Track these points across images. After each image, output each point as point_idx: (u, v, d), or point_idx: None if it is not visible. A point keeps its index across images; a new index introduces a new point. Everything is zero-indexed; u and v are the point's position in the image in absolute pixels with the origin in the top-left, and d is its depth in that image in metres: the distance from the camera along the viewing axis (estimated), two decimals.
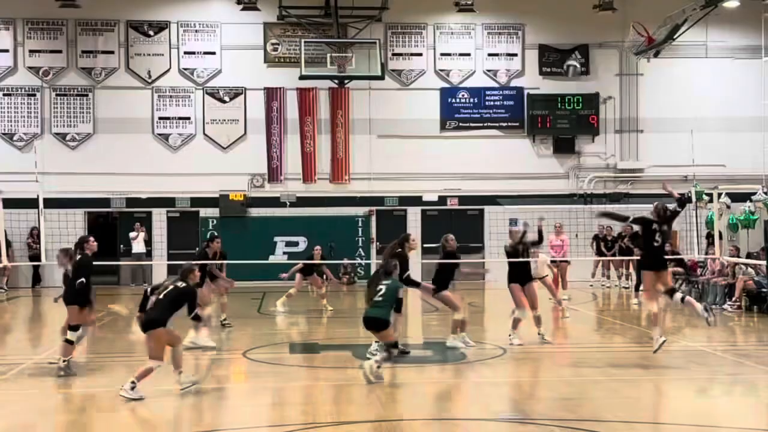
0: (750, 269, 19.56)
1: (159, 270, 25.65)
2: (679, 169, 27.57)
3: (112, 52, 27.85)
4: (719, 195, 20.47)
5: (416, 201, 27.61)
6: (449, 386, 11.43)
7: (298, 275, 19.92)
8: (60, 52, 27.70)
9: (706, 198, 23.44)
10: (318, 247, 21.13)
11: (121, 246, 27.71)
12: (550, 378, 11.95)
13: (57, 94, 27.66)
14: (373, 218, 28.28)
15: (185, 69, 28.05)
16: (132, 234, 27.02)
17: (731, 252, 20.35)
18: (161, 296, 10.81)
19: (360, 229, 28.19)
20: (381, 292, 11.27)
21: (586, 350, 14.40)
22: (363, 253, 28.15)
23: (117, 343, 15.27)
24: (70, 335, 11.94)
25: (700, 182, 24.57)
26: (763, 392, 11.32)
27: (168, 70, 27.98)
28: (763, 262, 19.20)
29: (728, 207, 24.60)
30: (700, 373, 12.39)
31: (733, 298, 19.41)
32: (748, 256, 22.74)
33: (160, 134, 27.88)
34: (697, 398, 10.99)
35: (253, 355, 13.48)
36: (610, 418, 9.45)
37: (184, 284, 11.01)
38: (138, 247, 26.98)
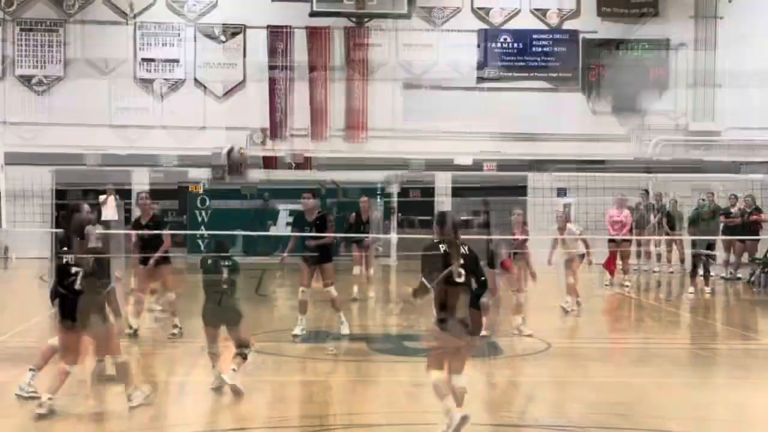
0: None
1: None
2: (764, 132, 27.40)
3: None
4: None
5: (446, 165, 27.40)
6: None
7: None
8: None
9: None
10: (365, 198, 19.80)
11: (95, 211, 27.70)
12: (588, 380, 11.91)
13: (22, 29, 27.63)
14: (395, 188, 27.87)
15: (174, 1, 27.98)
16: (101, 197, 25.48)
17: None
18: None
19: (378, 197, 27.86)
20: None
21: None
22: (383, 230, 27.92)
23: None
24: None
25: None
26: None
27: (153, 3, 27.92)
28: None
29: None
30: None
31: None
32: None
33: (142, 79, 27.86)
34: None
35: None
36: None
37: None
38: (108, 213, 25.73)
